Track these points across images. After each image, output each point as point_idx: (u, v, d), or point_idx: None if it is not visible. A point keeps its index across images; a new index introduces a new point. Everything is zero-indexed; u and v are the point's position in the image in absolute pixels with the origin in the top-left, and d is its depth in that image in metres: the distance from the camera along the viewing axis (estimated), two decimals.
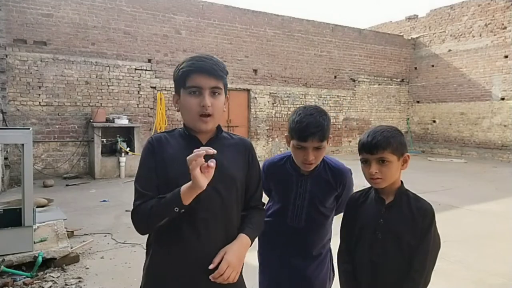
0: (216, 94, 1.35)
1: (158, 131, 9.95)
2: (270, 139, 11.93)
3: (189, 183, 1.20)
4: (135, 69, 9.60)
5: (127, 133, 8.95)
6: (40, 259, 3.35)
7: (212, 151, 1.17)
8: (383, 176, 1.46)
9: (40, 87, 8.47)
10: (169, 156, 1.35)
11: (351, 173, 1.85)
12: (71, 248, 3.74)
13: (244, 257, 1.36)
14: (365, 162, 1.51)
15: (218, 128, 1.45)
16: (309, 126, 1.62)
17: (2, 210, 3.79)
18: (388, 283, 1.48)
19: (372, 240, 1.51)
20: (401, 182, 1.55)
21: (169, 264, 1.34)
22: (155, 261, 1.37)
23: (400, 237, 1.47)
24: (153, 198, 1.30)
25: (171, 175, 1.32)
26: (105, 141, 8.66)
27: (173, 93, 1.43)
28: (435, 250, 1.47)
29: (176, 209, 1.23)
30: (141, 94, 9.69)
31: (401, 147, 1.49)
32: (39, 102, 8.48)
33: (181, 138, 1.40)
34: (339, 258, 1.67)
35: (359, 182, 1.92)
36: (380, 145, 1.45)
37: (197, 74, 1.31)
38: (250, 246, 1.40)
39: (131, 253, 4.00)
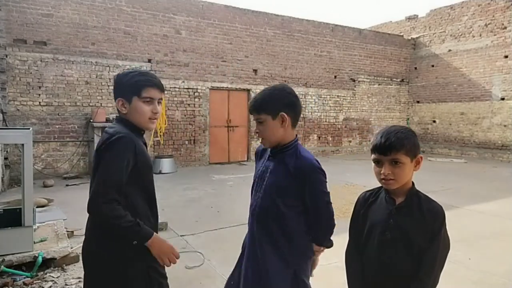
0: (160, 104, 1.77)
1: (158, 131, 9.94)
2: None
3: (159, 242, 1.63)
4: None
5: None
6: (40, 259, 3.35)
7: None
8: (396, 177, 1.45)
9: (40, 87, 8.47)
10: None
11: (321, 171, 1.74)
12: (71, 248, 3.74)
13: None
14: (377, 163, 1.50)
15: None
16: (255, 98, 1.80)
17: (2, 210, 3.79)
18: (396, 283, 1.48)
19: (381, 240, 1.51)
20: (412, 183, 1.54)
21: None
22: None
23: (409, 238, 1.46)
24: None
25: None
26: None
27: (118, 98, 1.72)
28: (445, 251, 1.46)
29: (135, 243, 1.58)
30: None
31: (414, 148, 1.48)
32: (39, 102, 8.48)
33: None
34: (347, 256, 1.66)
35: (368, 183, 1.92)
36: (393, 146, 1.44)
37: (152, 88, 1.70)
38: None
39: None
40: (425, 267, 1.42)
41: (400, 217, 1.49)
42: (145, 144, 1.78)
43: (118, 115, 1.77)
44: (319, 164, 1.76)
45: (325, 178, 1.76)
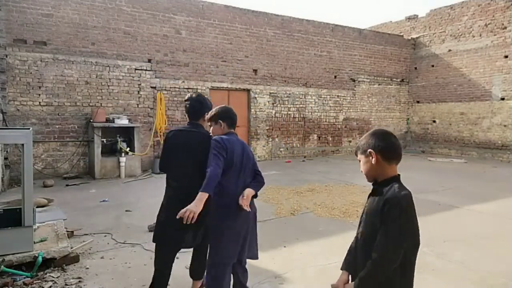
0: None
1: (158, 131, 9.96)
2: (270, 139, 11.93)
3: None
4: (135, 69, 9.60)
5: (127, 133, 8.95)
6: (40, 259, 3.35)
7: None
8: (363, 172, 1.77)
9: (40, 87, 8.47)
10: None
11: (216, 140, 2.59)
12: (71, 248, 3.74)
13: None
14: None
15: None
16: None
17: (2, 210, 3.79)
18: (362, 259, 1.67)
19: (360, 220, 1.81)
20: (395, 176, 1.69)
21: None
22: None
23: (370, 220, 1.67)
24: None
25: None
26: (105, 141, 8.66)
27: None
28: (400, 240, 1.55)
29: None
30: (141, 94, 9.69)
31: (365, 146, 1.73)
32: (39, 102, 8.48)
33: None
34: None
35: (368, 184, 1.97)
36: (356, 150, 1.82)
37: None
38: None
39: (131, 253, 4.00)
40: (375, 246, 1.57)
41: (368, 201, 1.76)
42: None
43: (193, 122, 2.90)
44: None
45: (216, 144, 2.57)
